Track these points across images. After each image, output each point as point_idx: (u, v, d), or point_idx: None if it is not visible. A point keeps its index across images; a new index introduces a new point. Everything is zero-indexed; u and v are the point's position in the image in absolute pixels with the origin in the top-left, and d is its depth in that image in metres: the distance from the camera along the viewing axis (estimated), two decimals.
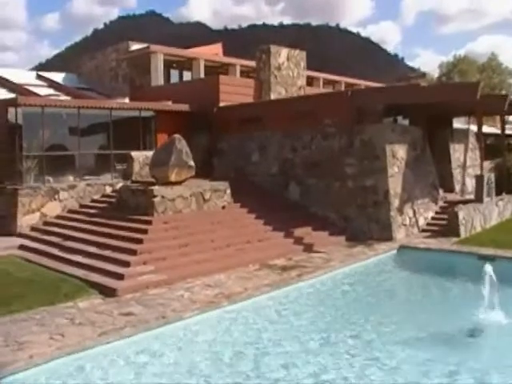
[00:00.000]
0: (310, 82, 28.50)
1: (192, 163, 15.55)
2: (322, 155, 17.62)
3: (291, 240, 15.04)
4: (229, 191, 16.25)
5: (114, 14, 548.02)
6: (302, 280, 11.57)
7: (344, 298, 11.08)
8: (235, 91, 21.23)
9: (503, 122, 22.62)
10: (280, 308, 10.13)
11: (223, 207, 15.95)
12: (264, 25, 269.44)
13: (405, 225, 16.71)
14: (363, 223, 16.46)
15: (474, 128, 23.80)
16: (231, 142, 20.44)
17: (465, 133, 23.92)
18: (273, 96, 22.27)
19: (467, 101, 17.30)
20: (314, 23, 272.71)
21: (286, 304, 10.37)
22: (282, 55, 23.10)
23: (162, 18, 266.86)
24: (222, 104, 20.64)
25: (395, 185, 16.57)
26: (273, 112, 19.58)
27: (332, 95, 21.24)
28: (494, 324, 9.08)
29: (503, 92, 40.84)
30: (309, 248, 14.71)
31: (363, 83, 33.19)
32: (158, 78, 24.66)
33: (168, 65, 26.75)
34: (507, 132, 36.76)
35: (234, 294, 10.34)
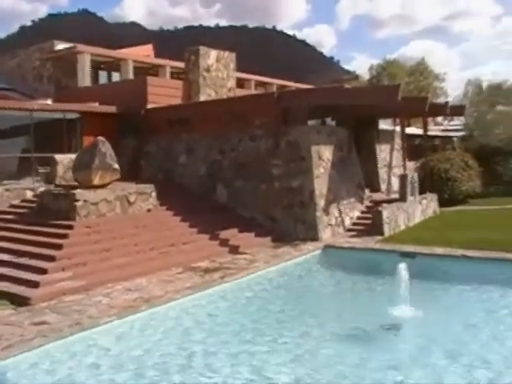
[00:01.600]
0: (242, 83, 28.58)
1: (117, 166, 15.26)
2: (249, 157, 17.70)
3: (217, 242, 15.01)
4: (155, 194, 16.06)
5: (43, 11, 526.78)
6: (225, 282, 11.55)
7: (266, 299, 11.14)
8: (164, 93, 21.00)
9: (425, 124, 23.37)
10: (201, 310, 10.08)
11: (149, 210, 15.74)
12: (201, 26, 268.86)
13: (331, 225, 16.99)
14: (289, 224, 16.63)
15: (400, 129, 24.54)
16: (159, 144, 20.21)
17: (391, 134, 24.59)
18: (202, 98, 22.18)
19: (389, 103, 17.76)
20: (250, 25, 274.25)
21: (206, 306, 10.33)
22: (211, 57, 23.04)
23: (95, 17, 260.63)
24: (150, 106, 20.37)
25: (321, 185, 16.83)
26: (201, 114, 19.50)
27: (260, 97, 21.38)
28: (406, 319, 9.43)
29: (429, 95, 42.19)
30: (234, 250, 14.72)
31: (295, 85, 33.50)
32: (84, 79, 24.08)
33: (96, 65, 26.16)
34: (435, 133, 38.28)
35: (154, 298, 10.22)
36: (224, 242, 15.04)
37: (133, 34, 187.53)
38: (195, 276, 12.05)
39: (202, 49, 22.74)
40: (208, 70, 22.64)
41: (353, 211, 18.39)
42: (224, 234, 15.43)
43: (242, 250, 14.71)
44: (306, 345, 8.43)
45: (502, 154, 28.17)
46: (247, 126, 17.85)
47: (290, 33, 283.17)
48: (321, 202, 16.65)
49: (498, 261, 12.90)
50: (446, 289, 11.78)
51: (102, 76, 27.88)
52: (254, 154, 17.59)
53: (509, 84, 43.92)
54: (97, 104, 20.69)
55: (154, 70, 27.02)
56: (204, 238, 15.11)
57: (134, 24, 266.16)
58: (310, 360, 7.83)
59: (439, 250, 14.02)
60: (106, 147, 15.09)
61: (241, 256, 14.18)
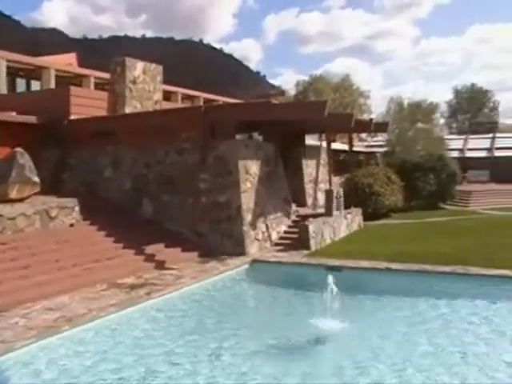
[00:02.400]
0: (168, 96, 28.29)
1: (37, 179, 14.65)
2: (176, 171, 17.47)
3: (143, 257, 14.66)
4: (78, 208, 15.54)
5: None
6: (151, 298, 11.27)
7: (193, 314, 10.96)
8: (88, 104, 20.42)
9: (351, 140, 24.00)
10: (125, 328, 9.77)
11: (71, 225, 15.20)
12: (127, 36, 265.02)
13: (258, 239, 17.00)
14: (217, 238, 16.51)
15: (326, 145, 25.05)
16: (83, 157, 19.56)
17: (317, 149, 25.06)
18: (128, 110, 21.70)
19: (316, 118, 18.08)
20: (177, 37, 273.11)
21: (132, 324, 10.02)
22: (137, 68, 22.62)
23: (11, 20, 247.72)
24: (73, 117, 19.74)
25: (248, 200, 16.84)
26: (127, 126, 19.07)
27: (187, 110, 21.24)
28: (332, 331, 9.53)
29: (354, 111, 43.42)
30: (160, 265, 14.42)
31: (222, 99, 33.58)
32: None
33: (13, 72, 25.09)
34: (359, 149, 39.43)
35: (77, 317, 9.79)
36: (150, 258, 14.71)
37: (54, 40, 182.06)
38: (120, 293, 11.68)
39: (129, 60, 22.30)
40: (134, 81, 22.21)
41: (279, 226, 18.51)
42: (150, 249, 15.09)
43: (169, 266, 14.42)
44: (229, 359, 8.32)
45: (422, 169, 29.33)
46: (174, 140, 17.63)
47: (218, 46, 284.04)
48: (248, 217, 16.65)
49: (418, 273, 13.40)
50: (371, 301, 12.06)
51: (20, 84, 26.76)
52: (181, 168, 17.38)
53: (428, 103, 46.04)
54: (14, 113, 19.81)
55: (78, 80, 26.27)
56: (129, 253, 14.72)
57: (54, 30, 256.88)
58: (229, 375, 7.75)
59: (365, 263, 14.35)
60: (24, 159, 14.48)
61: (167, 271, 13.90)
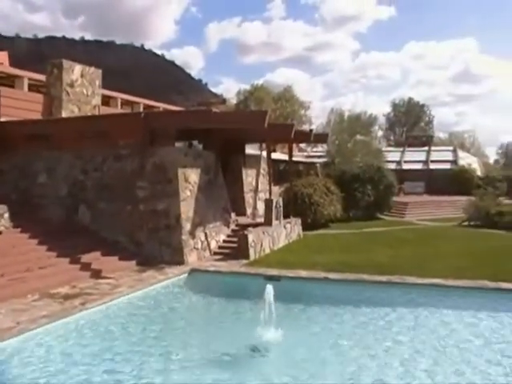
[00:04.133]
0: (108, 101, 27.63)
1: None
2: (114, 178, 17.04)
3: (78, 266, 14.17)
4: (7, 215, 14.92)
5: None
6: (86, 308, 10.88)
7: (129, 325, 10.61)
8: (21, 106, 19.62)
9: (291, 150, 24.10)
10: (59, 341, 9.36)
11: (0, 233, 14.54)
12: (64, 38, 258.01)
13: (197, 248, 16.81)
14: (155, 247, 16.22)
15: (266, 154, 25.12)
16: (14, 162, 18.75)
17: (257, 158, 25.09)
18: (64, 114, 21.07)
19: (257, 128, 18.10)
20: (118, 41, 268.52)
21: (65, 336, 9.62)
22: (75, 71, 22.04)
23: None
24: (3, 119, 18.92)
25: (187, 208, 16.64)
26: (63, 131, 18.41)
27: (126, 116, 20.81)
28: (270, 341, 9.45)
29: (295, 122, 43.90)
30: (96, 274, 13.98)
31: (163, 106, 33.14)
32: None
33: None
34: (299, 159, 39.77)
35: (3, 331, 9.30)
36: (86, 266, 14.24)
37: None
38: (54, 303, 11.23)
39: (66, 62, 21.68)
40: (72, 85, 21.62)
41: (219, 235, 18.38)
42: (86, 258, 14.63)
43: (105, 275, 14.01)
44: (165, 373, 8.12)
45: (361, 180, 29.88)
46: (112, 146, 17.21)
47: (159, 52, 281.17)
48: (187, 226, 16.44)
49: (356, 282, 13.61)
50: (310, 310, 12.10)
51: None
52: (119, 175, 16.98)
53: (367, 115, 47.18)
54: None
55: (10, 81, 25.21)
56: (64, 261, 14.21)
57: None
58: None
59: (303, 273, 14.41)
60: None
61: (103, 281, 13.49)
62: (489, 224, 26.09)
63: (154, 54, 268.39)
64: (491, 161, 79.32)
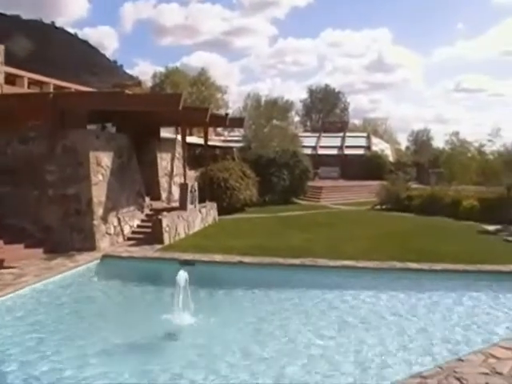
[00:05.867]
0: (13, 80, 26.14)
1: None
2: (19, 161, 16.14)
3: None
4: None
5: None
6: None
7: (35, 316, 10.17)
8: None
9: (206, 134, 23.88)
10: None
11: None
12: None
13: (109, 234, 16.36)
14: (65, 234, 15.60)
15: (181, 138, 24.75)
16: None
17: (172, 142, 24.67)
18: None
19: (171, 111, 17.77)
20: (24, 16, 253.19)
21: None
22: None
23: None
24: None
25: (99, 193, 16.11)
26: None
27: (33, 96, 19.64)
28: (186, 325, 9.51)
29: (211, 106, 43.66)
30: None
31: (74, 87, 31.82)
32: None
33: None
34: (216, 143, 39.66)
35: None
36: None
37: None
38: None
39: None
40: None
41: (132, 220, 17.97)
42: None
43: (9, 264, 13.22)
44: (77, 361, 7.88)
45: (277, 165, 30.15)
46: (17, 128, 16.30)
47: (71, 31, 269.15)
48: (99, 211, 15.94)
49: (270, 266, 13.71)
50: (224, 294, 12.16)
51: None
52: (25, 159, 16.11)
53: (284, 101, 47.63)
54: None
55: None
56: None
57: None
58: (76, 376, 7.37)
59: (218, 257, 14.39)
60: None
61: (6, 270, 12.75)
62: (399, 207, 27.14)
63: (66, 32, 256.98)
64: (403, 147, 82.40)
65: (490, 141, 35.67)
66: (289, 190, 31.12)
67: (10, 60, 22.84)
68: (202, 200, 21.00)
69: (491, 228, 19.77)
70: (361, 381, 7.26)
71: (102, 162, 16.56)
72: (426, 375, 6.60)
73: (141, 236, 17.21)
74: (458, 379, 6.40)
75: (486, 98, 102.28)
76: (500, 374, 6.59)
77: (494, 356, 7.17)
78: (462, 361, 7.09)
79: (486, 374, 6.59)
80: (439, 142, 66.73)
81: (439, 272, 12.99)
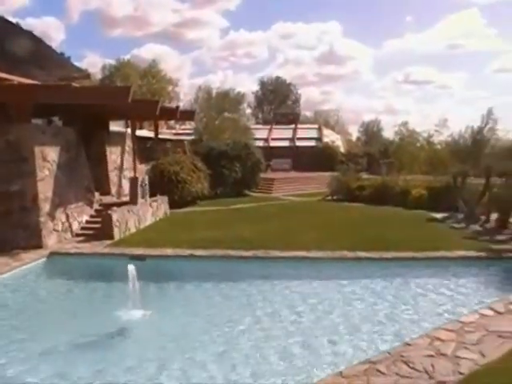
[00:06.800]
0: None
1: None
2: None
3: None
4: None
5: None
6: None
7: None
8: None
9: (157, 127, 23.63)
10: None
11: None
12: None
13: (57, 230, 15.98)
14: (8, 231, 15.07)
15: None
16: None
17: (122, 136, 24.26)
18: None
19: (120, 104, 17.44)
20: None
21: None
22: None
23: None
24: None
25: (46, 189, 15.70)
26: None
27: None
28: (136, 321, 9.47)
29: (162, 98, 43.14)
30: None
31: (17, 79, 30.82)
32: None
33: None
34: (167, 136, 39.22)
35: None
36: None
37: None
38: None
39: None
40: None
41: (81, 215, 17.60)
42: None
43: None
44: (25, 363, 7.70)
45: (228, 157, 30.06)
46: None
47: (13, 20, 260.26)
48: (45, 207, 15.53)
49: (222, 258, 13.77)
50: (176, 288, 12.12)
51: None
52: None
53: (235, 93, 47.49)
54: None
55: None
56: None
57: None
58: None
59: (169, 251, 14.32)
60: None
61: None
62: (350, 198, 27.49)
63: (7, 21, 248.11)
64: (354, 138, 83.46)
65: (437, 131, 36.73)
66: (241, 183, 31.10)
67: None
68: (152, 194, 20.76)
69: (439, 216, 20.28)
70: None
71: (48, 157, 16.11)
72: (375, 360, 6.75)
73: (90, 232, 16.87)
74: (405, 363, 6.59)
75: (433, 90, 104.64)
76: (444, 355, 6.81)
77: (438, 339, 7.41)
78: (410, 345, 7.30)
79: (432, 356, 6.80)
80: (389, 133, 68.00)
81: (389, 260, 13.26)
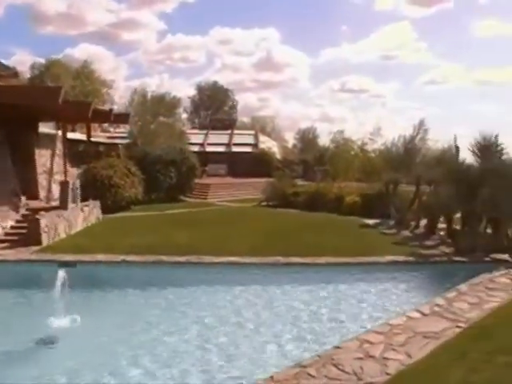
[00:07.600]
0: None
1: None
2: None
3: None
4: None
5: None
6: None
7: None
8: None
9: (89, 130, 22.97)
10: None
11: None
12: None
13: None
14: None
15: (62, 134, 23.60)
16: None
17: (52, 138, 23.49)
18: None
19: (50, 105, 16.86)
20: None
21: None
22: None
23: None
24: None
25: None
26: None
27: None
28: (64, 329, 9.17)
29: (95, 100, 42.07)
30: None
31: None
32: None
33: None
34: (100, 140, 38.27)
35: None
36: None
37: None
38: None
39: None
40: None
41: (6, 220, 16.84)
42: None
43: None
44: None
45: (163, 162, 29.65)
46: None
47: None
48: None
49: (154, 264, 13.57)
50: (107, 294, 11.85)
51: None
52: None
53: (171, 97, 46.96)
54: None
55: None
56: None
57: None
58: None
59: (101, 257, 13.96)
60: None
61: None
62: (285, 203, 27.68)
63: None
64: (290, 145, 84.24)
65: (371, 139, 37.64)
66: (176, 188, 30.72)
67: None
68: (84, 198, 20.18)
69: (371, 222, 20.71)
70: None
71: None
72: (305, 364, 6.79)
73: (15, 238, 16.14)
74: (335, 365, 6.65)
75: (368, 99, 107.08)
76: (373, 357, 6.94)
77: (368, 341, 7.54)
78: (340, 348, 7.37)
79: (361, 358, 6.90)
80: (325, 141, 69.04)
81: (322, 265, 13.39)
